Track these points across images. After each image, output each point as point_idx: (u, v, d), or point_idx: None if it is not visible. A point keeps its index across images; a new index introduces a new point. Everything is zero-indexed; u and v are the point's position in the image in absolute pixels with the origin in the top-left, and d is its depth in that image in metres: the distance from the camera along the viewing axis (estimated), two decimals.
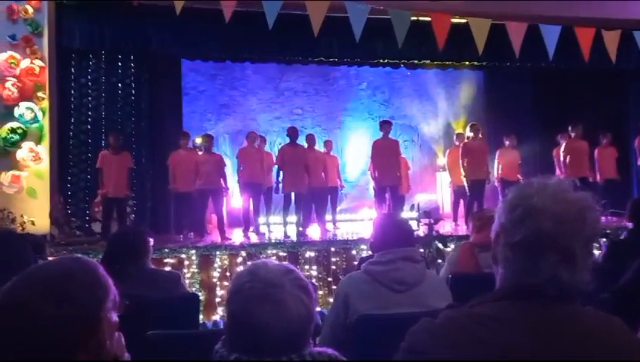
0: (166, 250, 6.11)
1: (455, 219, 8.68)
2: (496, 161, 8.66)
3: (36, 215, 6.43)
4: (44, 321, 1.03)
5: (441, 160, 10.75)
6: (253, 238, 7.17)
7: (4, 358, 1.03)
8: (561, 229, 1.00)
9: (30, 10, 6.73)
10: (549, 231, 1.00)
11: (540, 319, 1.00)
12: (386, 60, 9.51)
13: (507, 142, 8.70)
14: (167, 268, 5.51)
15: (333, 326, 2.32)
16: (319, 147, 8.46)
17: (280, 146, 8.13)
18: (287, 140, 7.72)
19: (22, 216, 6.27)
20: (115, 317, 1.13)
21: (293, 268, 1.27)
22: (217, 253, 6.18)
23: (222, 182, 7.43)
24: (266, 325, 1.15)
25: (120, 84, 8.51)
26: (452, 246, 6.45)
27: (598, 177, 8.63)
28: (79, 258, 1.16)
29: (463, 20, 6.79)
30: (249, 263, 1.28)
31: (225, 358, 1.17)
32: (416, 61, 9.30)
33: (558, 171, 8.25)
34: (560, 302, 1.02)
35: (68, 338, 1.04)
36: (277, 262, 1.28)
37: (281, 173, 7.57)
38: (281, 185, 7.61)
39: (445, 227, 8.03)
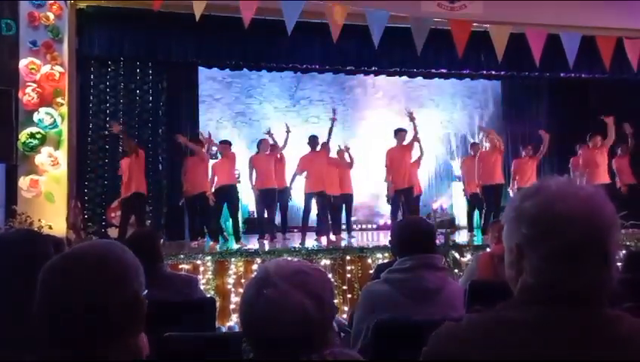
0: (181, 255, 6.12)
1: (471, 229, 8.61)
2: (512, 171, 8.61)
3: (53, 219, 6.49)
4: (93, 302, 1.02)
5: (457, 170, 10.69)
6: (269, 245, 7.17)
7: (53, 340, 1.01)
8: (592, 231, 0.98)
9: (51, 16, 6.83)
10: (582, 237, 0.98)
11: (575, 324, 0.97)
12: (403, 69, 9.46)
13: (524, 153, 8.63)
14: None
15: (357, 336, 2.27)
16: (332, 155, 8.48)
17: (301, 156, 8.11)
18: (309, 149, 7.83)
19: (39, 220, 6.32)
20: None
21: (313, 268, 1.24)
22: (232, 259, 6.17)
23: (235, 179, 7.56)
24: (260, 324, 1.14)
25: (138, 91, 8.59)
26: (468, 256, 6.40)
27: (619, 185, 8.49)
28: (115, 241, 1.16)
29: (482, 29, 6.76)
30: (270, 261, 1.26)
31: (246, 354, 1.16)
32: (433, 70, 9.24)
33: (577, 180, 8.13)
34: (595, 307, 0.99)
35: (116, 320, 1.03)
36: (298, 262, 1.25)
37: (295, 179, 7.65)
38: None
39: (461, 237, 7.96)
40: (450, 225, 9.23)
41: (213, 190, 7.35)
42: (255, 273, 1.24)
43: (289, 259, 1.32)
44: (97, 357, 1.03)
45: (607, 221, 1.00)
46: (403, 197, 7.76)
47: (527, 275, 1.03)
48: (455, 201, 10.80)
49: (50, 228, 6.29)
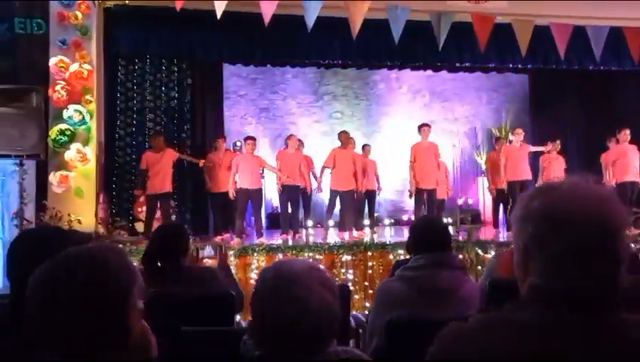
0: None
1: (496, 226, 8.50)
2: (540, 167, 8.44)
3: (83, 214, 6.66)
4: (72, 301, 1.05)
5: (483, 164, 10.57)
6: (291, 240, 7.21)
7: (38, 334, 1.05)
8: (599, 231, 0.97)
9: (80, 15, 6.98)
10: (589, 237, 0.96)
11: (574, 326, 0.96)
12: (427, 63, 9.37)
13: (551, 148, 8.46)
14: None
15: (373, 333, 2.29)
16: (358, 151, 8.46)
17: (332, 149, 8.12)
18: (339, 144, 7.83)
19: (69, 214, 6.49)
20: (141, 304, 1.15)
21: (319, 266, 1.27)
22: (255, 254, 6.24)
23: (261, 182, 7.55)
24: (285, 321, 1.15)
25: (164, 88, 8.72)
26: (492, 252, 6.32)
27: None
28: (108, 245, 1.19)
29: (506, 21, 6.65)
30: (277, 261, 1.28)
31: (251, 352, 1.18)
32: (457, 64, 9.13)
33: (606, 176, 7.93)
34: (599, 309, 0.98)
35: (96, 320, 1.06)
36: (303, 260, 1.28)
37: (324, 173, 7.74)
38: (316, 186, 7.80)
39: (486, 233, 7.87)
40: (474, 220, 9.14)
41: (236, 188, 7.31)
42: (265, 274, 1.24)
43: (293, 257, 1.35)
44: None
45: (616, 221, 0.98)
46: (426, 194, 7.67)
47: (534, 275, 1.02)
48: (480, 197, 10.68)
49: (80, 222, 6.46)
